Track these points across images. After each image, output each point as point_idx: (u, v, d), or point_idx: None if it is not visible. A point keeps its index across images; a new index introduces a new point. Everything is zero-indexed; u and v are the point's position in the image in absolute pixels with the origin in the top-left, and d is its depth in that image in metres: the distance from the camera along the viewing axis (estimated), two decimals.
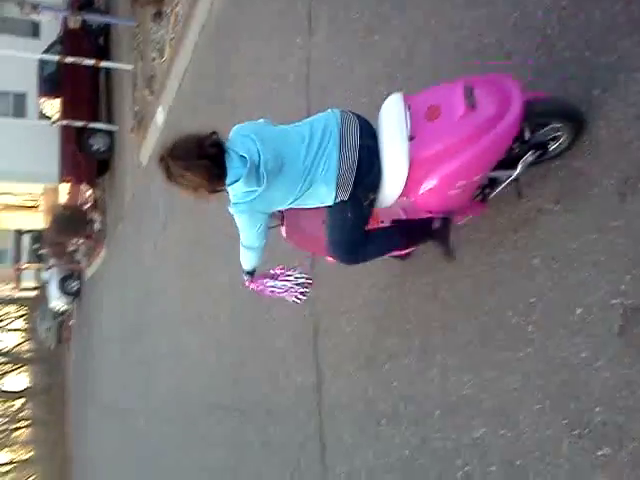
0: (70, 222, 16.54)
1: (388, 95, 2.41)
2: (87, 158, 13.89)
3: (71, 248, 18.82)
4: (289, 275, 2.72)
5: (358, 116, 2.40)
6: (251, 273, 2.74)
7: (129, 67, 11.04)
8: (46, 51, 13.23)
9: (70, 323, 27.19)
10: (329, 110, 2.44)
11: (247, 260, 2.66)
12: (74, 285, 22.83)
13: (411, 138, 2.16)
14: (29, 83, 14.70)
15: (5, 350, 43.11)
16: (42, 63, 13.63)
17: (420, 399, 3.14)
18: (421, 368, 3.13)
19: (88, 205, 16.37)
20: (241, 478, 5.63)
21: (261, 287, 2.75)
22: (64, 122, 13.01)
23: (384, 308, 3.46)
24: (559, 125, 2.21)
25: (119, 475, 13.27)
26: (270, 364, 4.93)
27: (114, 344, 14.04)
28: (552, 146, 2.31)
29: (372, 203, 2.39)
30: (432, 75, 3.21)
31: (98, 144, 13.56)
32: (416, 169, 2.17)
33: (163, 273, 9.06)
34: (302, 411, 4.35)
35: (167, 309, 8.75)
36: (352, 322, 3.74)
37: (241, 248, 2.60)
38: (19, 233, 28.39)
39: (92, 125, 13.15)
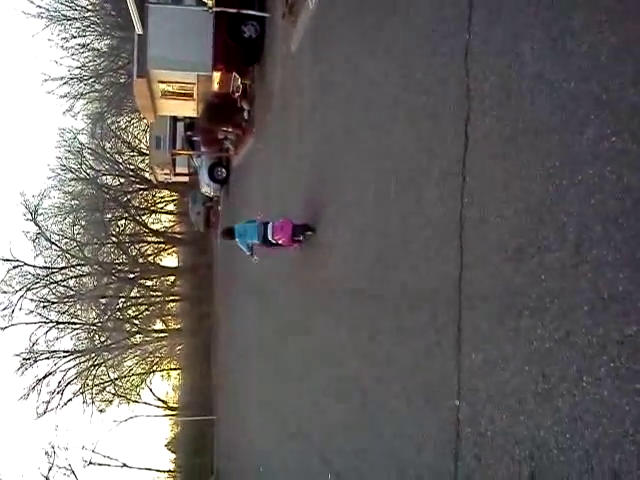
0: (220, 110, 17.18)
1: None
2: (238, 46, 14.15)
3: (221, 136, 19.65)
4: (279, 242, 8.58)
5: (264, 223, 8.62)
6: (251, 253, 9.38)
7: None
8: None
9: (218, 208, 28.91)
10: (255, 223, 8.82)
11: (246, 251, 9.29)
12: (222, 172, 24.06)
13: (273, 234, 8.39)
14: None
15: (160, 231, 47.10)
16: None
17: (568, 294, 3.06)
18: (574, 262, 3.02)
19: (238, 94, 16.85)
20: (373, 361, 5.91)
21: (259, 251, 9.48)
22: (218, 9, 13.22)
23: (540, 199, 3.33)
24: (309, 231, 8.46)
25: (255, 349, 14.42)
26: (413, 252, 5.00)
27: None
28: (309, 233, 8.47)
29: (269, 240, 8.57)
30: None
31: (249, 31, 13.73)
32: (275, 238, 8.46)
33: (308, 163, 9.27)
34: (441, 299, 4.42)
35: (312, 199, 9.01)
36: (503, 213, 3.65)
37: (244, 251, 9.44)
38: (174, 120, 30.13)
39: (244, 12, 13.26)
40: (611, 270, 2.79)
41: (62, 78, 37.61)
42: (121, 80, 37.05)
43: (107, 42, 38.38)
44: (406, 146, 5.36)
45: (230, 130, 18.59)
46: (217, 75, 16.46)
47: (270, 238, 8.35)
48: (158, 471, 45.14)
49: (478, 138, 4.05)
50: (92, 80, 38.26)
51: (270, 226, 8.37)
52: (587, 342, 2.90)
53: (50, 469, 35.98)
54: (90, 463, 36.86)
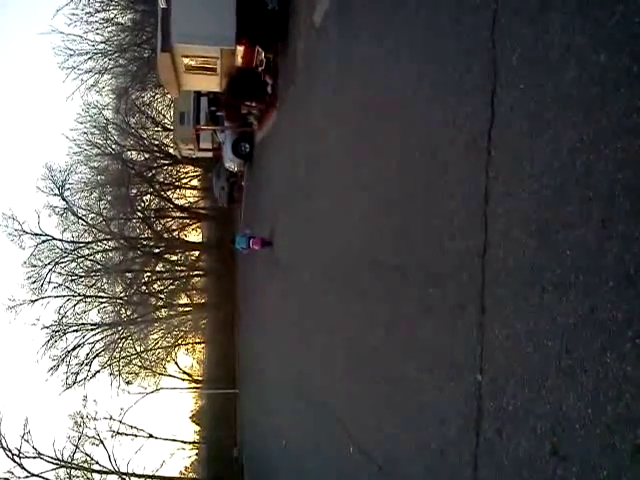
0: (244, 85, 17.12)
1: None
2: (261, 19, 14.04)
3: (244, 111, 19.61)
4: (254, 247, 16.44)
5: (249, 237, 16.67)
6: (242, 250, 17.50)
7: None
8: None
9: (242, 183, 28.97)
10: (245, 235, 17.24)
11: (241, 248, 17.25)
12: (246, 147, 24.05)
13: (252, 244, 16.35)
14: None
15: (185, 206, 47.40)
16: None
17: (593, 269, 3.03)
18: (599, 238, 2.99)
19: (261, 68, 16.76)
20: (394, 334, 5.94)
21: (247, 250, 17.12)
22: None
23: (566, 175, 3.28)
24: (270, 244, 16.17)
25: (279, 324, 14.54)
26: (436, 227, 4.98)
27: (282, 204, 14.87)
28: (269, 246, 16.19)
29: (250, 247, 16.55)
30: None
31: (272, 3, 13.58)
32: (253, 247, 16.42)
33: (333, 137, 9.24)
34: (464, 274, 4.41)
35: (335, 171, 9.00)
36: (529, 188, 3.61)
37: (238, 249, 18.38)
38: (198, 95, 30.10)
39: None
40: (637, 246, 2.75)
41: (87, 53, 37.78)
42: (145, 55, 37.08)
43: (131, 16, 38.36)
44: (431, 120, 5.31)
45: (254, 105, 18.54)
46: (241, 49, 16.38)
47: (251, 246, 16.31)
48: (183, 442, 46.08)
49: (504, 111, 4.00)
50: (116, 55, 38.34)
51: (251, 240, 16.29)
52: (612, 318, 2.88)
53: (79, 438, 36.95)
54: (118, 433, 37.75)
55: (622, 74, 2.91)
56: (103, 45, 38.13)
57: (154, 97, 43.90)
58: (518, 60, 3.85)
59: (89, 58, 37.88)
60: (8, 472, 33.55)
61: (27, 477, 34.41)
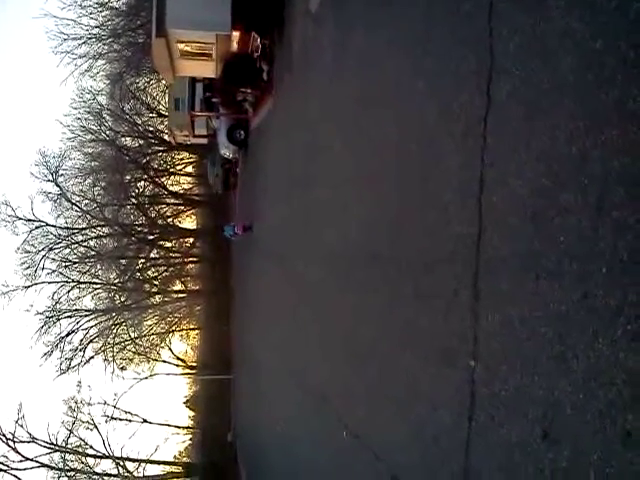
0: (239, 71, 17.02)
1: None
2: (257, 4, 13.94)
3: (240, 97, 19.51)
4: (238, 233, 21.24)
5: (233, 225, 22.15)
6: (232, 236, 22.66)
7: None
8: None
9: (237, 170, 28.89)
10: (230, 224, 23.38)
11: (229, 235, 22.41)
12: (241, 134, 23.94)
13: (236, 230, 21.28)
14: None
15: (179, 192, 47.25)
16: None
17: (587, 256, 3.05)
18: (593, 225, 3.01)
19: (257, 54, 16.65)
20: (391, 323, 5.96)
21: (234, 236, 22.22)
22: None
23: (562, 161, 3.30)
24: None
25: (274, 313, 14.58)
26: (432, 214, 4.99)
27: (278, 193, 14.84)
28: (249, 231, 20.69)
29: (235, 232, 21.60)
30: None
31: None
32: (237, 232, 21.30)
33: (329, 126, 9.21)
34: (458, 261, 4.43)
35: (331, 160, 8.99)
36: (524, 174, 3.62)
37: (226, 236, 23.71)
38: (193, 81, 29.93)
39: None
40: (631, 233, 2.77)
41: (81, 37, 37.47)
42: (140, 40, 36.77)
43: (125, 0, 38.04)
44: (426, 108, 5.30)
45: (249, 91, 18.44)
46: (236, 35, 16.27)
47: (235, 232, 20.16)
48: (177, 427, 46.28)
49: (501, 98, 4.00)
50: (110, 40, 38.03)
51: (235, 227, 20.14)
52: (604, 304, 2.90)
53: (74, 423, 37.09)
54: (112, 418, 37.88)
55: (619, 61, 2.92)
56: (97, 30, 37.84)
57: (149, 83, 43.65)
58: (515, 47, 3.85)
59: (83, 43, 37.62)
60: (3, 456, 33.71)
61: (21, 461, 34.57)
